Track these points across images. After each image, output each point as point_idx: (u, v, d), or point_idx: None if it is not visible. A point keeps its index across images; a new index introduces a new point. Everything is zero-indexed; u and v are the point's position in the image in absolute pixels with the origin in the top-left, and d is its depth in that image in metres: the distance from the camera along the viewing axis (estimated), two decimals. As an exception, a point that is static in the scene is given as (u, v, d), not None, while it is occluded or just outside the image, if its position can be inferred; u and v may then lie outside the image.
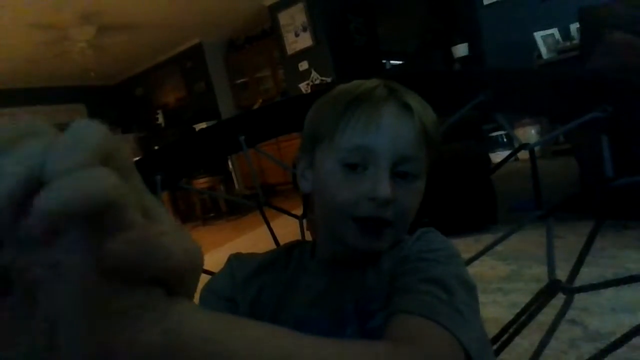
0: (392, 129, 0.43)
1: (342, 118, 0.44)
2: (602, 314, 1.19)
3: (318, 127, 0.47)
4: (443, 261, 0.43)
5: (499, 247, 0.62)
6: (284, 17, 4.67)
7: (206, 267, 0.51)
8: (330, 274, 0.48)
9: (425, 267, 0.42)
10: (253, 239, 3.15)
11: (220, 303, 0.48)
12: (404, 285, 0.40)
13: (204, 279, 0.58)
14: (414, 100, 0.44)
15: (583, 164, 1.96)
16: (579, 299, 0.51)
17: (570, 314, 1.20)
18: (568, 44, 3.32)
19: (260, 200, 0.71)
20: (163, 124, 6.24)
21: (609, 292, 1.24)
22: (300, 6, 4.53)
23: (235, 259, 0.52)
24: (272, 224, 0.74)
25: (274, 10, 4.70)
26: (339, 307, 0.44)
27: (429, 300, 0.37)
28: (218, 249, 3.25)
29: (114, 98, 6.50)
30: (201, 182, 4.41)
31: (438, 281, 0.39)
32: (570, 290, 0.47)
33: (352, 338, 0.42)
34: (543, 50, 3.46)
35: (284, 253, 0.53)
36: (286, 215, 0.78)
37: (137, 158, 0.69)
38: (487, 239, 2.00)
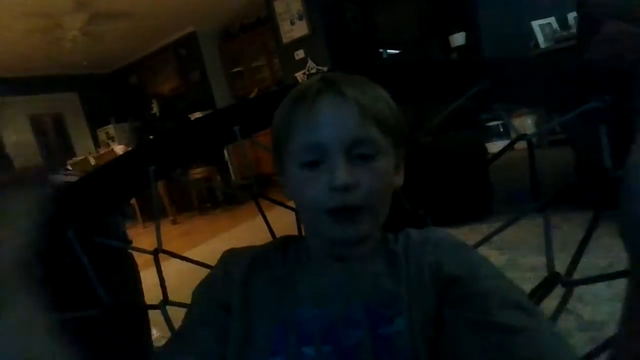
0: (331, 119, 0.44)
1: (289, 123, 0.47)
2: (597, 304, 1.20)
3: (276, 136, 0.49)
4: (492, 274, 0.42)
5: (494, 237, 0.62)
6: (279, 5, 4.61)
7: (203, 256, 0.51)
8: (332, 272, 0.47)
9: (485, 288, 0.40)
10: (250, 229, 3.15)
11: (211, 309, 0.47)
12: (485, 317, 0.37)
13: (201, 272, 0.58)
14: (350, 87, 0.45)
15: (579, 154, 1.96)
16: (576, 289, 0.51)
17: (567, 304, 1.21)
18: (565, 33, 3.30)
19: (254, 192, 0.70)
20: (158, 114, 6.18)
21: (602, 282, 1.25)
22: (296, -6, 4.47)
23: (230, 256, 0.52)
24: (268, 215, 0.73)
25: (269, -3, 4.64)
26: (345, 307, 0.43)
27: (537, 337, 0.35)
28: (215, 239, 3.25)
29: (107, 87, 6.42)
30: (197, 172, 4.40)
31: (515, 304, 0.38)
32: (570, 283, 0.47)
33: (359, 341, 0.41)
34: (540, 39, 3.45)
35: (280, 248, 0.52)
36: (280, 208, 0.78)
37: (130, 148, 0.68)
38: (482, 229, 2.01)
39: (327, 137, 0.44)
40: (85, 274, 0.61)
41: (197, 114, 5.13)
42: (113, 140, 5.92)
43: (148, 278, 1.06)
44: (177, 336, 0.47)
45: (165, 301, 0.61)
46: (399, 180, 0.51)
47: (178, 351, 0.45)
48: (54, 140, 6.09)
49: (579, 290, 1.23)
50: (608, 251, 1.42)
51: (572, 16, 3.35)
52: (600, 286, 1.25)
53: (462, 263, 0.43)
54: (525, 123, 3.56)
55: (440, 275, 0.43)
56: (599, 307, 1.19)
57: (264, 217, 0.73)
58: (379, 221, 0.48)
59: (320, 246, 0.49)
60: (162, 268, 0.65)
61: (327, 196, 0.43)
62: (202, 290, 0.50)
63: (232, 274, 0.49)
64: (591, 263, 1.37)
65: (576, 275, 0.51)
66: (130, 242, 1.33)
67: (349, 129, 0.44)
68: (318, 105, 0.45)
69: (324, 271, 0.47)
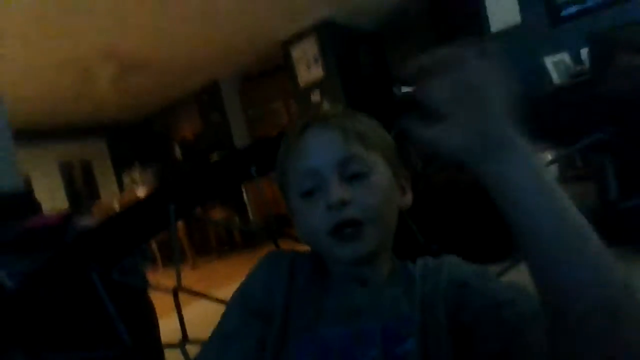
0: (318, 144, 0.49)
1: (284, 160, 0.52)
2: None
3: (279, 179, 0.54)
4: (518, 299, 0.40)
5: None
6: (296, 51, 4.81)
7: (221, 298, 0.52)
8: (354, 294, 0.48)
9: (494, 287, 0.43)
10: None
11: (246, 320, 0.48)
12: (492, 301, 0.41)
13: (217, 309, 0.58)
14: (333, 116, 0.51)
15: (601, 188, 1.91)
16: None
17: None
18: (579, 68, 3.32)
19: (273, 231, 0.71)
20: (180, 157, 6.37)
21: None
22: (311, 40, 4.66)
23: (275, 257, 0.54)
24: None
25: (287, 45, 4.86)
26: (363, 328, 0.45)
27: None
28: (235, 283, 3.22)
29: (133, 133, 6.69)
30: (216, 214, 4.45)
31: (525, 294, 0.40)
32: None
33: (374, 359, 0.42)
34: (554, 75, 3.46)
35: (308, 260, 0.53)
36: (303, 245, 0.78)
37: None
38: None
39: (317, 161, 0.48)
40: (105, 315, 0.62)
41: (215, 154, 5.30)
42: (137, 184, 6.09)
43: (167, 324, 1.06)
44: (205, 351, 0.48)
45: (185, 339, 0.61)
46: (406, 200, 0.53)
47: None
48: (81, 185, 6.31)
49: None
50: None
51: (585, 51, 3.37)
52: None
53: (473, 273, 0.46)
54: (546, 159, 3.51)
55: (452, 286, 0.45)
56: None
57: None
58: (385, 238, 0.49)
59: (339, 269, 0.51)
60: (184, 311, 0.65)
61: (327, 216, 0.46)
62: (239, 297, 0.51)
63: (275, 280, 0.50)
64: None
65: None
66: (150, 284, 1.34)
67: (335, 150, 0.48)
68: (305, 135, 0.50)
69: (346, 293, 0.48)
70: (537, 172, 0.33)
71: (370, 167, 0.48)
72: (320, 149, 0.48)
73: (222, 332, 0.49)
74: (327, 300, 0.48)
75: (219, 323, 0.50)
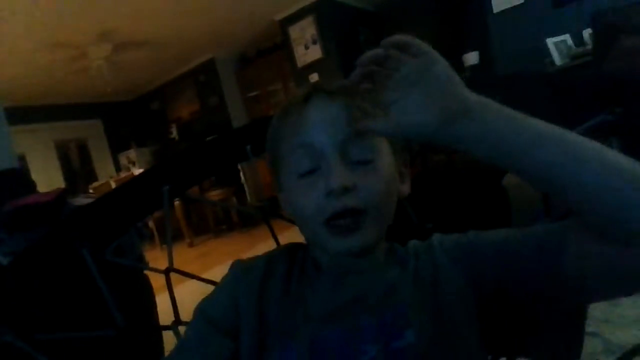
0: (321, 118, 0.44)
1: (279, 135, 0.46)
2: (625, 326, 1.15)
3: (271, 151, 0.49)
4: (516, 233, 0.43)
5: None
6: (294, 31, 4.74)
7: (219, 278, 0.51)
8: (343, 287, 0.45)
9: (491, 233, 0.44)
10: (266, 250, 3.13)
11: (208, 334, 0.45)
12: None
13: (209, 289, 0.58)
14: (339, 85, 0.43)
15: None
16: (600, 310, 0.49)
17: (590, 325, 1.16)
18: (581, 49, 3.28)
19: (265, 211, 0.71)
20: (177, 138, 6.33)
21: (629, 303, 1.20)
22: (310, 19, 4.58)
23: (240, 270, 0.50)
24: (284, 234, 0.73)
25: (284, 24, 4.77)
26: (358, 324, 0.42)
27: None
28: (231, 261, 3.25)
29: (130, 113, 6.63)
30: (214, 194, 4.45)
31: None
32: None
33: (373, 357, 0.40)
34: (555, 56, 3.42)
35: (287, 258, 0.50)
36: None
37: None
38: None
39: (318, 137, 0.43)
40: (100, 295, 0.61)
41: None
42: (134, 165, 6.07)
43: (164, 300, 1.06)
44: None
45: (177, 322, 0.61)
46: (405, 188, 0.50)
47: None
48: (77, 165, 6.29)
49: (605, 312, 1.18)
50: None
51: (587, 33, 3.33)
52: (627, 307, 1.20)
53: (462, 235, 0.47)
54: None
55: (459, 252, 0.45)
56: (626, 330, 1.13)
57: (275, 238, 0.73)
58: (383, 229, 0.46)
59: (328, 260, 0.48)
60: (178, 290, 0.65)
61: (325, 202, 0.42)
62: (204, 310, 0.48)
63: (243, 292, 0.47)
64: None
65: (603, 305, 0.49)
66: (147, 263, 1.35)
67: (340, 127, 0.43)
68: (307, 107, 0.44)
69: (335, 287, 0.46)
70: (511, 114, 0.36)
71: (376, 151, 0.44)
72: (323, 124, 0.43)
73: (181, 348, 0.46)
74: (314, 298, 0.45)
75: (181, 339, 0.48)
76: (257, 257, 0.51)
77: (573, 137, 0.34)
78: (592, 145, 0.34)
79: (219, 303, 0.48)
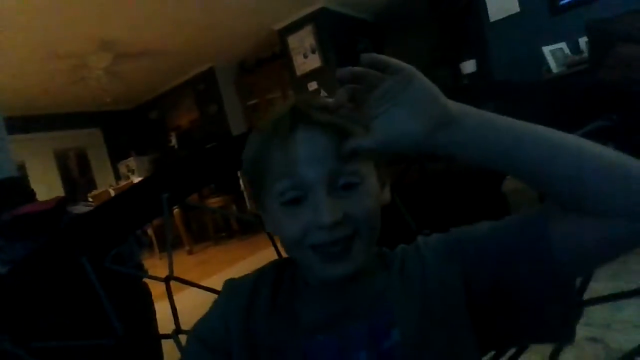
0: (307, 153, 0.41)
1: (261, 162, 0.44)
2: (625, 331, 1.15)
3: (249, 172, 0.47)
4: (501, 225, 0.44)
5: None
6: (293, 40, 4.77)
7: (219, 286, 0.51)
8: (332, 298, 0.46)
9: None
10: (265, 258, 3.11)
11: (205, 358, 0.45)
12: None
13: (211, 296, 0.57)
14: (322, 112, 0.42)
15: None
16: (600, 315, 0.49)
17: (591, 330, 1.16)
18: (577, 57, 3.30)
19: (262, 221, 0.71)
20: (176, 146, 6.34)
21: (631, 308, 1.19)
22: (308, 29, 4.62)
23: (230, 290, 0.50)
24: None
25: (283, 33, 4.81)
26: (349, 330, 0.43)
27: None
28: (230, 268, 3.25)
29: (129, 122, 6.65)
30: (213, 202, 4.45)
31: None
32: (579, 304, 0.46)
33: None
34: (552, 64, 3.45)
35: (274, 274, 0.50)
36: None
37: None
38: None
39: (306, 173, 0.41)
40: (99, 304, 0.61)
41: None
42: (133, 173, 6.07)
43: (164, 308, 1.06)
44: None
45: (178, 330, 0.61)
46: (385, 196, 0.49)
47: None
48: (76, 173, 6.28)
49: (605, 317, 1.18)
50: (637, 276, 1.37)
51: (583, 41, 3.35)
52: (628, 313, 1.20)
53: (448, 234, 0.47)
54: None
55: (449, 250, 0.45)
56: (627, 335, 1.13)
57: (275, 245, 0.72)
58: (373, 244, 0.46)
59: (314, 276, 0.47)
60: (179, 298, 0.65)
61: (312, 232, 0.41)
62: (197, 334, 0.48)
63: (232, 311, 0.47)
64: (613, 287, 1.31)
65: (605, 310, 0.50)
66: (146, 271, 1.34)
67: (329, 160, 0.41)
68: (292, 141, 0.42)
69: (324, 298, 0.46)
70: (492, 118, 0.38)
71: (362, 175, 0.43)
72: (311, 159, 0.41)
73: None
74: (305, 310, 0.45)
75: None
76: (246, 276, 0.51)
77: (549, 133, 0.37)
78: (568, 139, 0.37)
79: (211, 326, 0.47)
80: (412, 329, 0.41)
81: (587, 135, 0.47)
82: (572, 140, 0.37)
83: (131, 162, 6.22)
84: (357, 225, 0.42)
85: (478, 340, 0.42)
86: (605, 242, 0.36)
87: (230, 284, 0.50)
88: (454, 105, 0.38)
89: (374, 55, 0.38)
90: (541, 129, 0.37)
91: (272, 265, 0.52)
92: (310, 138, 0.42)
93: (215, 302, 0.50)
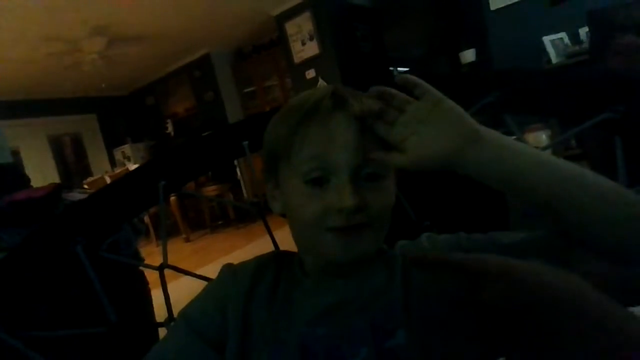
0: (343, 138, 0.43)
1: (295, 137, 0.44)
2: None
3: (275, 147, 0.47)
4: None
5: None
6: (290, 27, 4.71)
7: (215, 274, 0.51)
8: (331, 290, 0.45)
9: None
10: (262, 246, 3.10)
11: (194, 345, 0.45)
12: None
13: (200, 285, 0.57)
14: (363, 105, 0.44)
15: (595, 168, 1.92)
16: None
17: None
18: (577, 48, 3.28)
19: (261, 207, 0.70)
20: (172, 133, 6.30)
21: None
22: (306, 15, 4.55)
23: (230, 275, 0.50)
24: (280, 231, 0.72)
25: (280, 20, 4.74)
26: (349, 325, 0.42)
27: None
28: (227, 256, 3.25)
29: (124, 108, 6.58)
30: (210, 190, 4.44)
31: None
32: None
33: (365, 357, 0.40)
34: (552, 54, 3.43)
35: (273, 264, 0.50)
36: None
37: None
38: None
39: (337, 157, 0.42)
40: (94, 291, 0.61)
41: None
42: (129, 160, 6.03)
43: (160, 296, 1.06)
44: None
45: (171, 318, 0.60)
46: (394, 197, 0.49)
47: None
48: (71, 160, 6.24)
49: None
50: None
51: (583, 31, 3.33)
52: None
53: (456, 237, 0.49)
54: (540, 138, 3.50)
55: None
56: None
57: (271, 234, 0.72)
58: (382, 239, 0.46)
59: (315, 264, 0.48)
60: (175, 285, 0.64)
61: (331, 215, 0.42)
62: (188, 317, 0.47)
63: (231, 296, 0.47)
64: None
65: None
66: (142, 259, 1.34)
67: (359, 150, 0.43)
68: (331, 123, 0.43)
69: (322, 290, 0.46)
70: (511, 141, 0.41)
71: (387, 170, 0.45)
72: (345, 146, 0.42)
73: (159, 358, 0.45)
74: (303, 301, 0.45)
75: (158, 345, 0.46)
76: (246, 262, 0.51)
77: (565, 165, 0.39)
78: (583, 172, 0.39)
79: (205, 310, 0.47)
80: (419, 333, 0.40)
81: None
82: (588, 174, 0.39)
83: (127, 148, 6.17)
84: (372, 216, 0.43)
85: (485, 346, 0.42)
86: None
87: (229, 268, 0.51)
88: (480, 126, 0.40)
89: (408, 76, 0.42)
90: (562, 161, 0.40)
91: (272, 255, 0.52)
92: (348, 124, 0.44)
93: (210, 285, 0.50)
